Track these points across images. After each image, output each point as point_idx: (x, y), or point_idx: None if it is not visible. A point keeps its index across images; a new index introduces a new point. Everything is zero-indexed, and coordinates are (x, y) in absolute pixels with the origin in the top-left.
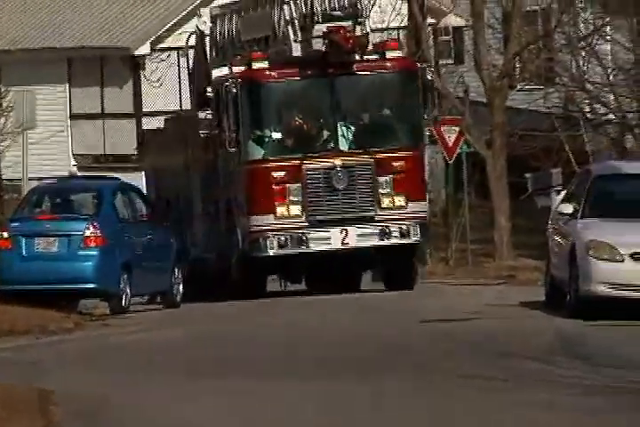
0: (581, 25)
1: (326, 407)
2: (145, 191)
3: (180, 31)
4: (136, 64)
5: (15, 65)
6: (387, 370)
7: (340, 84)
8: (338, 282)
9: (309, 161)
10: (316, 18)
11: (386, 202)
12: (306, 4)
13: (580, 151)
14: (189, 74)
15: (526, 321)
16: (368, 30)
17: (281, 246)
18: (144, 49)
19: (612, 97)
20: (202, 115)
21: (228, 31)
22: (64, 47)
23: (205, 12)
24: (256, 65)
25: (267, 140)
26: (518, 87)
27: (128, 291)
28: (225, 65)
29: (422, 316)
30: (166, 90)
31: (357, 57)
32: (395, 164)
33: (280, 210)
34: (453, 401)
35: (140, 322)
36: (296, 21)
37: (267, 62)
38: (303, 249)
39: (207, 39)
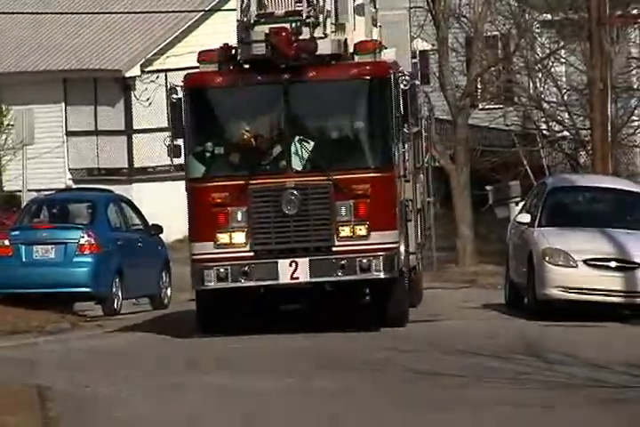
0: (538, 49)
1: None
2: None
3: (167, 55)
4: (127, 85)
5: (15, 86)
6: (346, 368)
7: (297, 94)
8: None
9: (256, 181)
10: (252, 17)
11: (345, 231)
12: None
13: (536, 165)
14: None
15: (488, 322)
16: (326, 33)
17: (220, 279)
18: (134, 71)
19: (566, 115)
20: None
21: None
22: (60, 69)
23: None
24: (203, 67)
25: (209, 155)
26: (480, 106)
27: (120, 294)
28: None
29: None
30: (155, 109)
31: (325, 61)
32: (356, 187)
33: (221, 237)
34: (415, 398)
35: (132, 323)
36: (245, 19)
37: (215, 65)
38: (245, 283)
39: None
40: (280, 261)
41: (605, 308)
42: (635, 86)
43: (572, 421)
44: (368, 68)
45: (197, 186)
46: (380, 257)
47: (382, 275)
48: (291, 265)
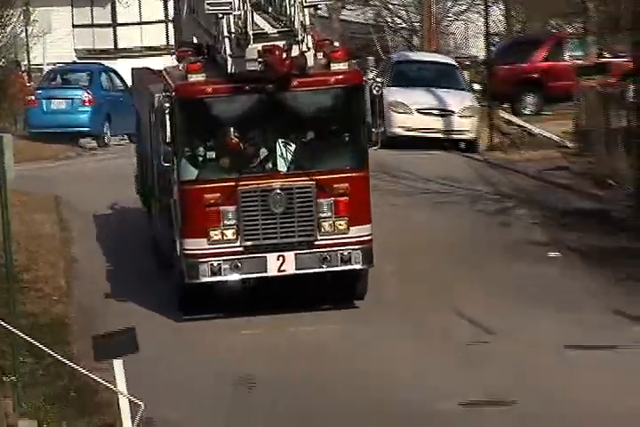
0: None
1: None
2: None
3: None
4: None
5: None
6: None
7: (280, 102)
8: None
9: (245, 183)
10: (248, 36)
11: (326, 226)
12: (239, 20)
13: (385, 46)
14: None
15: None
16: (309, 46)
17: (213, 273)
18: None
19: (404, 13)
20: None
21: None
22: None
23: None
24: (192, 77)
25: (201, 159)
26: (347, 7)
27: (109, 133)
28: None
29: None
30: (130, 9)
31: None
32: (336, 186)
33: (213, 234)
34: None
35: (116, 152)
36: (233, 36)
37: (203, 75)
38: (237, 276)
39: None
40: (268, 255)
41: (431, 141)
42: None
43: (411, 215)
44: (343, 76)
45: (190, 188)
46: (359, 250)
47: (360, 266)
48: (278, 259)
